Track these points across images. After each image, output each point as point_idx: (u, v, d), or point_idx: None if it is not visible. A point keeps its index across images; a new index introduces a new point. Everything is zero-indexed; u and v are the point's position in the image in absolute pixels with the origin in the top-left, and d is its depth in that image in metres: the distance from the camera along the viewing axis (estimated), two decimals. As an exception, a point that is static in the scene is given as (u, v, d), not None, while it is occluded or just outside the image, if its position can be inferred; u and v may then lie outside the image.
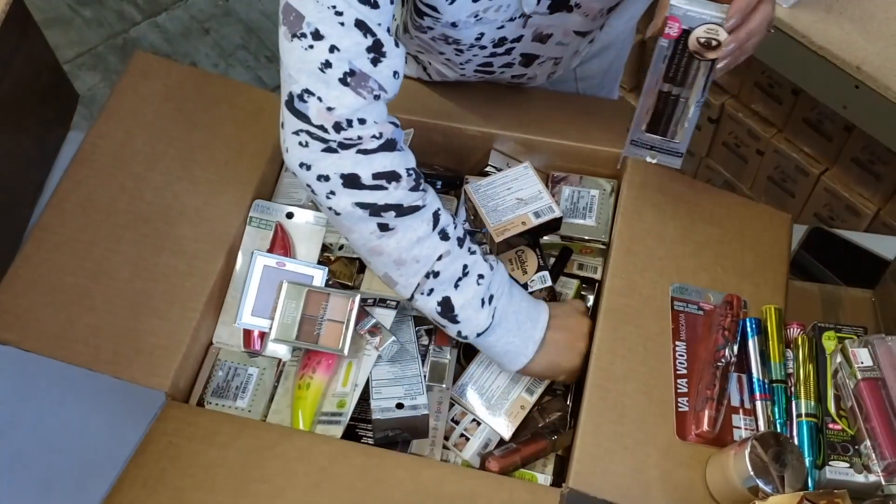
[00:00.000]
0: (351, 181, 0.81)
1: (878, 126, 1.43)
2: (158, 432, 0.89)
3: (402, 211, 0.83)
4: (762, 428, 0.87)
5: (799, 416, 0.87)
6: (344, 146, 0.81)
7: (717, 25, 0.81)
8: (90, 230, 0.99)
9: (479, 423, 0.95)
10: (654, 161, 0.91)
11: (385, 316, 0.95)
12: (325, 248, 1.02)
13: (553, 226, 0.99)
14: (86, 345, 0.92)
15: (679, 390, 0.89)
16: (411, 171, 0.84)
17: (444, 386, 0.94)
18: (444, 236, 0.86)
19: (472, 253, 0.88)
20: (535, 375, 0.94)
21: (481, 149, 1.10)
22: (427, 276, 0.86)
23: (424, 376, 0.93)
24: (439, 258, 0.85)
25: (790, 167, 1.72)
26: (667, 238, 0.98)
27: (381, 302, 0.96)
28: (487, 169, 1.09)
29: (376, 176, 0.82)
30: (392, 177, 0.82)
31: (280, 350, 0.96)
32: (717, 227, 1.00)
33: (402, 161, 0.84)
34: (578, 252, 1.05)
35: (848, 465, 0.84)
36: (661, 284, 0.95)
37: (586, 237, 1.03)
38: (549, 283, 0.97)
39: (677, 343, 0.92)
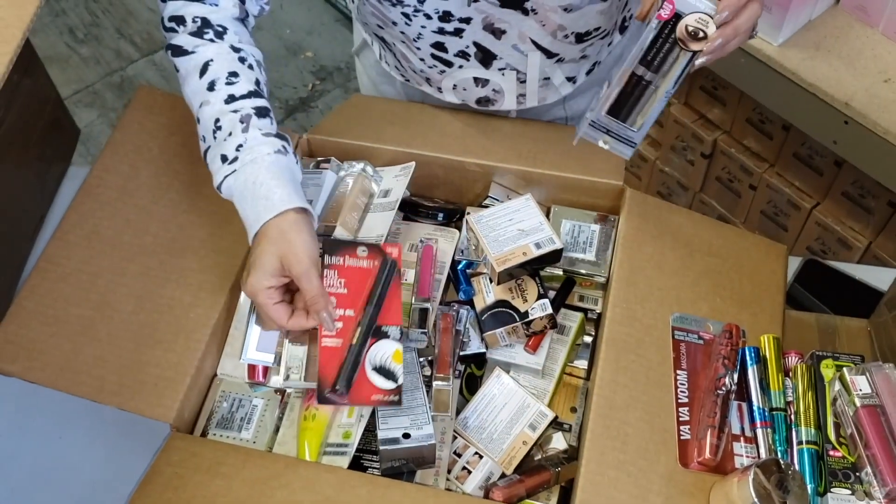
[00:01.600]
0: (162, 24, 0.96)
1: (867, 160, 1.46)
2: (163, 463, 0.89)
3: (174, 51, 0.94)
4: (763, 455, 0.88)
5: (800, 443, 0.88)
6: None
7: (709, 17, 0.81)
8: (95, 262, 0.99)
9: (481, 457, 0.95)
10: (606, 147, 0.89)
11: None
12: (328, 279, 1.03)
13: (553, 257, 1.01)
14: (90, 376, 0.93)
15: (681, 418, 0.90)
16: (197, 19, 0.93)
17: (448, 416, 0.95)
18: (211, 87, 0.92)
19: (235, 112, 0.91)
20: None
21: (481, 181, 1.12)
22: (196, 121, 0.94)
23: (429, 406, 0.93)
24: (200, 105, 0.92)
25: (782, 201, 1.74)
26: (666, 269, 1.00)
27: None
28: (487, 202, 1.11)
29: (170, 19, 0.94)
30: (179, 20, 0.94)
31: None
32: (715, 258, 1.01)
33: (193, 10, 0.93)
34: (579, 285, 1.06)
35: (850, 491, 0.85)
36: (662, 314, 0.97)
37: (585, 272, 1.04)
38: (550, 310, 0.99)
39: (678, 372, 0.93)
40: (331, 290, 0.91)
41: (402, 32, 1.03)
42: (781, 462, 0.81)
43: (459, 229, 1.08)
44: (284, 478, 0.87)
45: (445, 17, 0.98)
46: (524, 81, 1.09)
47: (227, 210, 1.03)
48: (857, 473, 0.86)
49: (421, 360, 0.98)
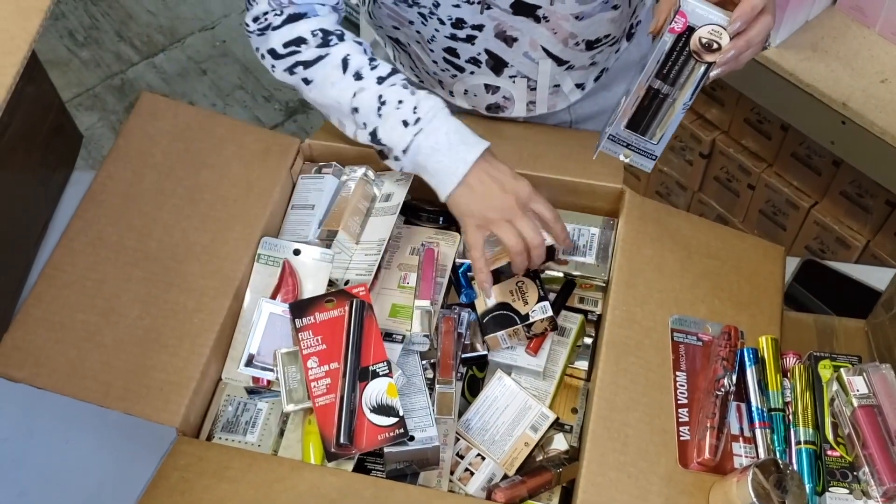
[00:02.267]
0: (273, 54, 1.01)
1: (865, 160, 1.47)
2: (169, 467, 0.90)
3: (308, 64, 0.99)
4: (762, 455, 0.89)
5: (798, 443, 0.89)
6: (261, 31, 1.01)
7: (722, 28, 0.82)
8: (100, 268, 1.00)
9: (483, 458, 0.96)
10: (627, 160, 0.90)
11: (391, 350, 0.96)
12: (331, 283, 1.04)
13: (547, 255, 1.01)
14: (96, 381, 0.94)
15: (680, 419, 0.91)
16: (317, 32, 0.99)
17: (451, 418, 0.96)
18: (358, 76, 0.98)
19: (393, 85, 0.97)
20: (456, 210, 0.97)
21: (482, 185, 1.13)
22: (352, 113, 0.99)
23: (432, 408, 0.94)
24: (354, 95, 0.98)
25: (781, 201, 1.75)
26: (665, 271, 1.01)
27: (387, 336, 0.98)
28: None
29: (286, 44, 1.00)
30: (299, 41, 0.99)
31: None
32: (713, 260, 1.02)
33: (307, 27, 0.99)
34: (579, 287, 1.07)
35: (847, 491, 0.86)
36: (661, 316, 0.98)
37: (585, 274, 1.05)
38: (550, 313, 1.00)
39: (678, 373, 0.94)
40: (310, 350, 0.94)
41: (418, 32, 1.05)
42: (780, 462, 0.82)
43: (460, 232, 1.09)
44: (290, 481, 0.88)
45: (458, 23, 1.00)
46: (534, 89, 1.11)
47: (230, 216, 1.05)
48: (855, 473, 0.87)
49: (423, 362, 0.99)
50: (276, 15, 1.00)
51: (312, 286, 1.02)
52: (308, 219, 1.07)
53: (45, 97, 1.28)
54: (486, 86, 1.10)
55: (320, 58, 0.99)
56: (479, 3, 0.97)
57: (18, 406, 1.07)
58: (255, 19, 1.01)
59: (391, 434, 0.90)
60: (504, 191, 0.94)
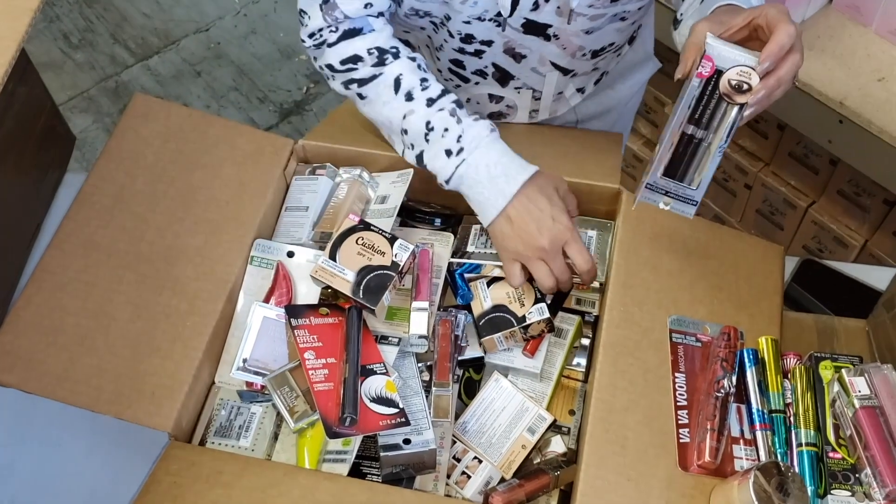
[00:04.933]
0: (331, 68, 1.02)
1: (862, 159, 1.46)
2: (162, 472, 0.89)
3: (363, 82, 1.00)
4: (763, 458, 0.88)
5: (799, 445, 0.88)
6: (317, 46, 1.01)
7: (751, 69, 0.81)
8: (92, 271, 0.99)
9: (480, 461, 0.95)
10: (667, 208, 0.89)
11: (387, 352, 0.95)
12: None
13: None
14: (88, 386, 0.92)
15: (680, 421, 0.90)
16: (372, 50, 0.99)
17: (447, 421, 0.95)
18: (409, 97, 0.98)
19: (441, 110, 0.97)
20: (495, 241, 0.99)
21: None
22: (402, 133, 1.00)
23: (429, 411, 0.93)
24: (404, 117, 0.98)
25: (778, 200, 1.75)
26: (663, 271, 1.00)
27: (384, 339, 0.97)
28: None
29: (343, 62, 1.00)
30: (355, 59, 1.00)
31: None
32: (712, 260, 1.01)
33: (363, 44, 0.99)
34: (576, 288, 1.06)
35: (850, 493, 0.85)
36: (659, 317, 0.97)
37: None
38: (547, 314, 0.99)
39: (677, 375, 0.93)
40: (307, 345, 0.93)
41: (429, 37, 1.05)
42: (782, 465, 0.81)
43: (456, 234, 1.08)
44: (284, 486, 0.87)
45: (468, 38, 1.00)
46: (538, 98, 1.11)
47: (223, 218, 1.04)
48: (857, 475, 0.86)
49: (419, 365, 0.98)
50: (331, 31, 0.99)
51: (306, 288, 1.01)
52: (302, 220, 1.06)
53: (38, 99, 1.27)
54: (491, 95, 1.10)
55: (374, 76, 1.00)
56: (490, 20, 0.97)
57: (8, 411, 1.06)
58: (311, 35, 1.00)
59: (393, 421, 0.89)
60: (540, 231, 0.95)
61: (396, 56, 1.00)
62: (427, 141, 0.97)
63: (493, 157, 0.96)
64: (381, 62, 0.99)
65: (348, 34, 0.99)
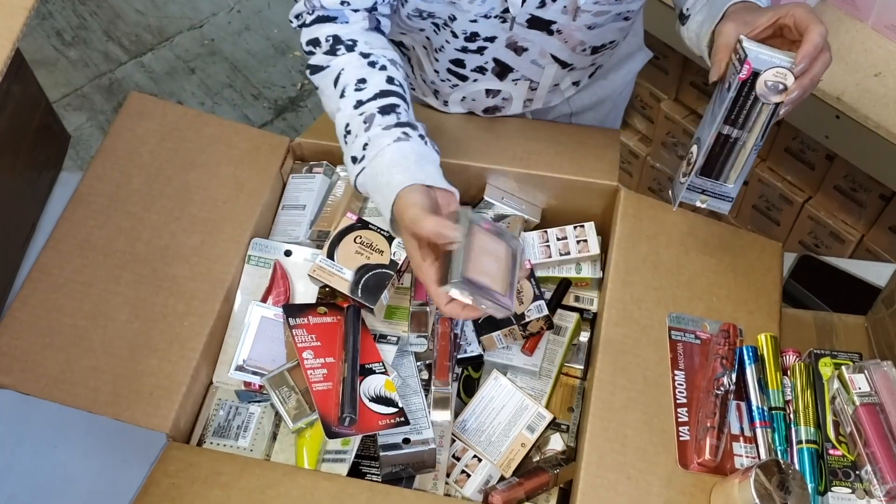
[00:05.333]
0: (302, 50, 1.00)
1: (859, 154, 1.46)
2: (160, 473, 0.88)
3: (315, 69, 0.98)
4: (763, 455, 0.88)
5: (799, 442, 0.88)
6: (298, 27, 1.00)
7: (787, 70, 0.82)
8: (88, 271, 0.99)
9: (480, 460, 0.95)
10: (704, 206, 0.91)
11: (386, 351, 0.95)
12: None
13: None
14: (85, 387, 0.92)
15: (680, 419, 0.90)
16: (329, 38, 0.97)
17: (447, 419, 0.94)
18: (342, 95, 0.95)
19: (361, 114, 0.94)
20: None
21: (476, 184, 1.11)
22: (337, 126, 0.97)
23: (428, 410, 0.93)
24: (335, 114, 0.96)
25: (774, 196, 1.74)
26: (661, 268, 1.00)
27: (382, 338, 0.96)
28: (482, 204, 1.10)
29: (307, 43, 0.99)
30: (315, 43, 0.98)
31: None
32: (710, 257, 1.01)
33: (327, 31, 0.97)
34: (574, 285, 1.06)
35: (850, 490, 0.85)
36: (658, 314, 0.96)
37: (579, 273, 1.04)
38: (546, 312, 0.98)
39: (676, 372, 0.93)
40: (305, 345, 0.93)
41: (428, 38, 1.04)
42: (782, 462, 0.81)
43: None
44: (283, 486, 0.87)
45: (472, 37, 0.99)
46: (535, 89, 1.10)
47: (219, 217, 1.03)
48: (857, 472, 0.86)
49: (419, 364, 0.97)
50: (308, 14, 0.99)
51: (304, 287, 1.01)
52: (299, 219, 1.06)
53: (32, 97, 1.26)
54: (488, 90, 1.10)
55: (323, 67, 0.98)
56: (496, 17, 0.96)
57: (5, 412, 1.06)
58: (297, 16, 1.01)
59: (392, 421, 0.88)
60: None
61: (350, 49, 0.98)
62: (345, 143, 0.95)
63: (383, 167, 0.90)
64: (332, 52, 0.98)
65: (320, 19, 0.98)
